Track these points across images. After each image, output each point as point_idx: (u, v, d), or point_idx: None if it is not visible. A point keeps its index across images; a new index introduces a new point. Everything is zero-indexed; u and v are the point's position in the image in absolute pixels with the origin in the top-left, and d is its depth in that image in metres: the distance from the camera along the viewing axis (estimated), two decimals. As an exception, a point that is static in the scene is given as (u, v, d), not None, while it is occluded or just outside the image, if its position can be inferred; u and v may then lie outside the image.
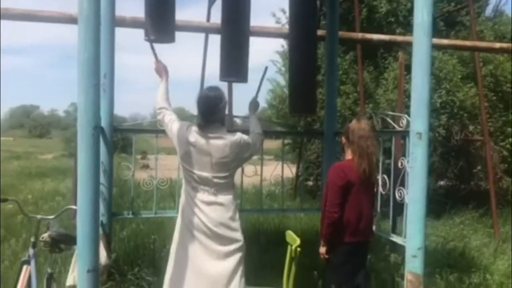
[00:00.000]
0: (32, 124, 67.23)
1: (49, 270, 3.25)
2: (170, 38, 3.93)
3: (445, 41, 5.81)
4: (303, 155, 10.14)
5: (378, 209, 4.16)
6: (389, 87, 8.64)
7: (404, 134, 3.45)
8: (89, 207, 2.68)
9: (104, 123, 4.11)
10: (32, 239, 3.32)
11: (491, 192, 7.53)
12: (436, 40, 5.50)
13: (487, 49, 6.40)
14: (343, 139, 3.57)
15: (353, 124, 3.46)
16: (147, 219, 5.63)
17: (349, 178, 3.36)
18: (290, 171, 10.12)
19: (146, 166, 19.12)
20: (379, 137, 4.22)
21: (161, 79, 3.42)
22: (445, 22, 9.92)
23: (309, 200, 9.51)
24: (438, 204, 7.86)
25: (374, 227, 3.78)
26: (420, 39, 2.96)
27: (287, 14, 9.74)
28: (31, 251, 3.27)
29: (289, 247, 3.39)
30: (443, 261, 4.80)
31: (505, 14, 18.00)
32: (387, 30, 9.14)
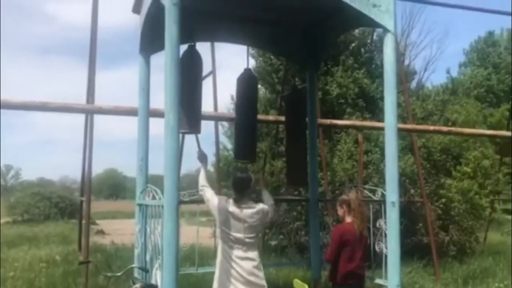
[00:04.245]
0: (-41, 189, 62.52)
1: (135, 313, 4.07)
2: (197, 130, 5.01)
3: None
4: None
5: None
6: (343, 157, 10.10)
7: (380, 203, 4.68)
8: (173, 264, 3.65)
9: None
10: (105, 292, 4.14)
11: (431, 245, 9.00)
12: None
13: (424, 130, 8.06)
14: (343, 208, 4.56)
15: (350, 195, 4.62)
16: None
17: (347, 238, 4.44)
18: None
19: (101, 232, 19.19)
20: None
21: (202, 164, 4.48)
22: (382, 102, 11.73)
23: (275, 257, 10.48)
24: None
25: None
26: (390, 136, 4.26)
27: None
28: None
29: (298, 292, 4.48)
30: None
31: (426, 87, 21.72)
32: (338, 109, 10.78)
